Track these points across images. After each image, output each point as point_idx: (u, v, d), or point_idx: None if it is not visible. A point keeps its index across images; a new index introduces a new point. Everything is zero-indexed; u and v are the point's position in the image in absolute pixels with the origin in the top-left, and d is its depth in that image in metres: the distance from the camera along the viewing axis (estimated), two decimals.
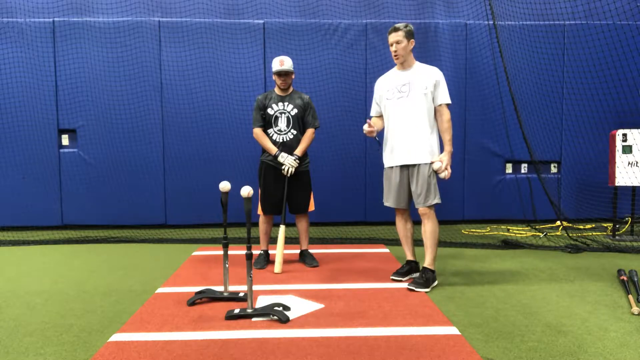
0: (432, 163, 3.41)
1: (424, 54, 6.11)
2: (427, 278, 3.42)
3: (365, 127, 3.54)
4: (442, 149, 3.49)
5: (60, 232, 5.74)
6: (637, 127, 5.35)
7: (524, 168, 6.37)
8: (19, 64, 5.89)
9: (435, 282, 3.51)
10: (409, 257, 3.75)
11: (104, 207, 6.01)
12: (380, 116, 3.73)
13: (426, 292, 3.34)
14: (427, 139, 3.43)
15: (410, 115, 3.45)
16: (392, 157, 3.57)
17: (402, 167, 3.53)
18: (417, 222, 3.62)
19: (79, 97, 5.96)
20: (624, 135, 5.25)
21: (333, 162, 6.13)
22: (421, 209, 3.47)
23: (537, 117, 6.24)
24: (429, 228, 3.47)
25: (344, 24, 6.13)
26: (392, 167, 3.59)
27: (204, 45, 6.04)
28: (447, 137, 3.43)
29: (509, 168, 6.38)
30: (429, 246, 3.49)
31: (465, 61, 6.19)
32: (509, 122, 6.21)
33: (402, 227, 3.71)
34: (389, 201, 3.66)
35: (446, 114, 3.45)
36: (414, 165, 3.47)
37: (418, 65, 3.55)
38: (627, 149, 5.23)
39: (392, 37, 3.45)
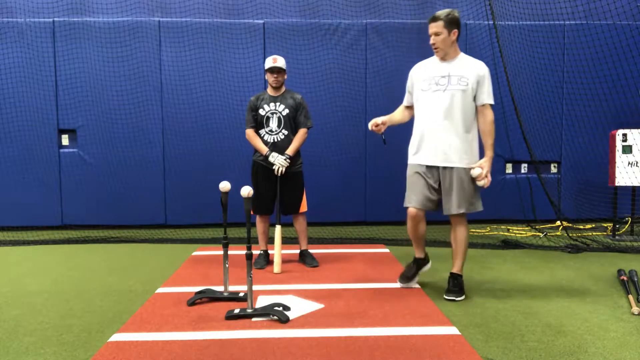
0: (471, 168, 3.12)
1: (424, 54, 6.06)
2: (459, 284, 3.27)
3: (371, 125, 3.29)
4: (481, 153, 3.22)
5: (60, 232, 5.74)
6: (637, 127, 5.35)
7: (524, 168, 6.37)
8: (19, 64, 5.88)
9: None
10: (419, 254, 3.47)
11: (104, 207, 6.01)
12: (409, 107, 3.41)
13: (463, 299, 3.21)
14: (464, 140, 3.13)
15: (446, 112, 3.11)
16: (422, 154, 3.22)
17: (432, 167, 3.20)
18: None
19: (79, 97, 5.96)
20: (624, 135, 5.25)
21: (333, 162, 6.12)
22: (454, 216, 3.22)
23: (537, 117, 6.23)
24: (460, 235, 3.26)
25: (344, 24, 6.13)
26: (420, 164, 3.24)
27: (204, 45, 6.04)
28: (490, 141, 3.15)
29: (509, 168, 6.38)
30: (459, 253, 3.29)
31: None
32: (509, 122, 6.20)
33: (413, 229, 3.34)
34: (411, 202, 3.27)
35: (489, 115, 3.17)
36: (445, 168, 3.16)
37: (462, 57, 3.20)
38: (627, 149, 5.23)
39: (431, 28, 3.11)
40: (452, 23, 3.08)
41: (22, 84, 5.90)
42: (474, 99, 3.14)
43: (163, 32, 6.01)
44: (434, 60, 3.26)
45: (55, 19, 5.93)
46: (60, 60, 5.93)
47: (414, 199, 3.25)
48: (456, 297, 3.18)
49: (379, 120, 3.29)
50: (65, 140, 6.05)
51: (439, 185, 3.22)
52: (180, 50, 6.02)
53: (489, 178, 3.10)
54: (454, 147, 3.12)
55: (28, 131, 5.93)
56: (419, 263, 3.50)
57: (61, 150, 6.01)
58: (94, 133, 5.99)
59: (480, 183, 3.10)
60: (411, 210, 3.28)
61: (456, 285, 3.25)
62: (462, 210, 3.15)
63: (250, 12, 6.17)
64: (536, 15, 5.99)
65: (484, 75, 3.12)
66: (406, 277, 3.44)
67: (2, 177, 5.93)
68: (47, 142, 5.96)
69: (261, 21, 6.09)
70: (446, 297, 3.19)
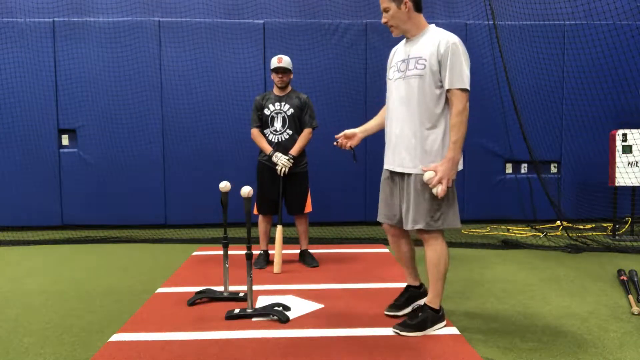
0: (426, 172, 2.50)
1: None
2: (423, 319, 2.59)
3: (340, 140, 2.86)
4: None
5: (60, 232, 5.74)
6: (637, 127, 5.35)
7: (524, 168, 6.37)
8: (19, 64, 5.88)
9: (441, 324, 2.65)
10: (409, 281, 2.94)
11: (104, 207, 6.01)
12: None
13: (417, 335, 2.57)
14: (422, 138, 2.51)
15: (404, 104, 2.55)
16: (386, 157, 2.73)
17: (393, 173, 2.70)
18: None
19: (79, 97, 5.96)
20: (624, 135, 5.25)
21: (333, 162, 6.12)
22: (418, 233, 2.63)
23: (537, 117, 6.24)
24: (428, 257, 2.61)
25: (344, 24, 6.13)
26: (385, 169, 2.76)
27: (204, 45, 6.04)
28: (453, 138, 2.46)
29: (509, 168, 6.38)
30: (431, 280, 2.63)
31: None
32: (509, 122, 6.21)
33: (396, 249, 2.88)
34: (379, 216, 2.82)
35: (457, 104, 2.42)
36: (403, 174, 2.62)
37: (428, 33, 2.55)
38: (627, 149, 5.23)
39: (381, 5, 2.59)
40: None
41: (22, 84, 5.90)
42: (442, 82, 2.48)
43: (163, 32, 6.01)
44: (403, 41, 2.69)
45: (55, 19, 5.93)
46: (60, 60, 5.93)
47: (379, 211, 2.81)
48: (401, 331, 2.58)
49: (349, 132, 2.80)
50: (65, 140, 6.05)
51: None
52: (180, 50, 6.02)
53: (444, 186, 2.45)
54: (411, 148, 2.53)
55: (28, 131, 5.93)
56: (411, 292, 2.91)
57: (61, 150, 6.01)
58: (94, 133, 5.99)
59: (433, 191, 2.49)
60: (384, 225, 2.84)
61: (414, 317, 2.62)
62: (418, 226, 2.54)
63: (250, 12, 6.17)
64: (536, 15, 5.99)
65: (447, 52, 2.41)
66: (395, 307, 2.87)
67: (2, 177, 5.93)
68: (47, 142, 5.96)
69: (261, 21, 6.09)
70: (392, 328, 2.63)
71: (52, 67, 5.93)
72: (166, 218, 6.13)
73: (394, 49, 2.79)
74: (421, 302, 2.85)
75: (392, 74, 2.68)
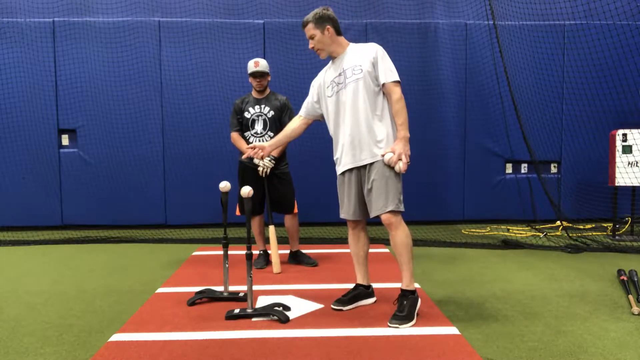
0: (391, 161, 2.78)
1: (424, 54, 6.11)
2: (410, 305, 2.78)
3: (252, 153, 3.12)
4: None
5: (60, 232, 5.74)
6: (637, 127, 5.35)
7: (524, 168, 6.37)
8: (19, 64, 5.89)
9: (419, 304, 2.87)
10: (359, 279, 3.16)
11: (104, 207, 6.01)
12: (304, 118, 3.20)
13: (413, 324, 2.72)
14: (376, 130, 2.83)
15: (351, 107, 2.86)
16: (341, 161, 3.03)
17: (353, 170, 2.97)
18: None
19: (79, 97, 5.96)
20: (624, 135, 5.25)
21: (332, 161, 6.11)
22: (384, 218, 2.82)
23: (537, 117, 6.24)
24: (398, 240, 2.82)
25: (344, 24, 6.12)
26: (342, 173, 3.06)
27: (204, 45, 6.04)
28: (399, 121, 2.79)
29: (509, 168, 6.38)
30: (404, 262, 2.84)
31: (465, 61, 6.18)
32: (509, 122, 6.21)
33: (354, 244, 3.16)
34: (342, 211, 3.14)
35: (394, 94, 2.81)
36: (364, 166, 2.88)
37: (351, 48, 3.00)
38: (627, 149, 5.23)
39: (306, 33, 3.04)
40: (321, 21, 3.03)
41: (22, 84, 5.91)
42: (378, 81, 2.86)
43: (163, 32, 6.01)
44: (329, 64, 3.08)
45: (55, 19, 5.93)
46: (60, 60, 5.93)
47: (342, 209, 3.15)
48: (400, 325, 2.68)
49: (258, 145, 3.12)
50: (65, 140, 6.05)
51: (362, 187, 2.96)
52: (180, 50, 6.02)
53: (404, 161, 2.76)
54: (368, 141, 2.84)
55: (28, 131, 5.93)
56: (360, 290, 3.13)
57: (61, 150, 6.01)
58: (94, 133, 5.99)
59: (396, 168, 2.77)
60: (347, 221, 3.18)
61: (403, 308, 2.77)
62: (390, 208, 2.78)
63: (250, 12, 6.17)
64: (536, 15, 5.99)
65: (376, 55, 2.85)
66: (341, 301, 3.03)
67: (2, 177, 5.93)
68: (47, 142, 5.96)
69: (261, 21, 6.09)
70: (389, 325, 2.71)
71: (52, 67, 5.94)
72: (166, 218, 6.13)
73: (320, 75, 3.11)
74: (367, 302, 3.11)
75: (330, 91, 2.99)
